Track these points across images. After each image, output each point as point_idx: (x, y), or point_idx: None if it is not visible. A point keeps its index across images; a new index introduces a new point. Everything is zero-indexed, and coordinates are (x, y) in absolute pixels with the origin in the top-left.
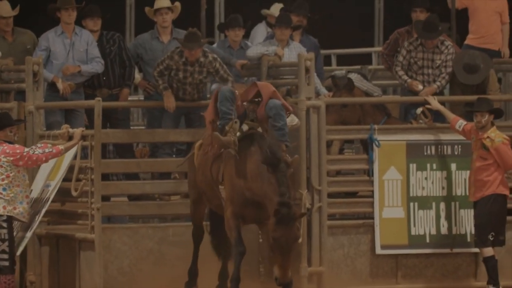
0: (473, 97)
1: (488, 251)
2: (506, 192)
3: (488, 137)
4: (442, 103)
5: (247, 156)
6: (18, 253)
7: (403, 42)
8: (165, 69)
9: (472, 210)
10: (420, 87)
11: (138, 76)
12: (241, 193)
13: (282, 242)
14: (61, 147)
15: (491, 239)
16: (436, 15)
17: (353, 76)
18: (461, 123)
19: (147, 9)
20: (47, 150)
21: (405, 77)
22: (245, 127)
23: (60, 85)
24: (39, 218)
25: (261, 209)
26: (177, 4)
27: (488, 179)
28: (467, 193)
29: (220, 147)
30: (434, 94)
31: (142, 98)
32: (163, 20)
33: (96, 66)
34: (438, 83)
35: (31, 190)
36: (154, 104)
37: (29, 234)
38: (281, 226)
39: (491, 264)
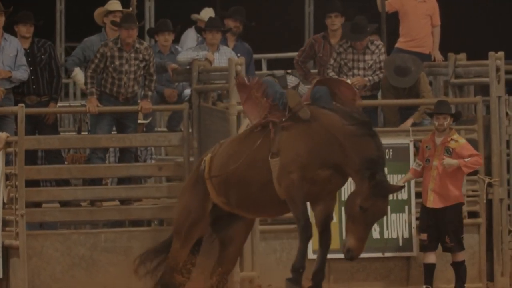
0: (408, 101)
1: (463, 255)
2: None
3: (451, 139)
4: (375, 108)
5: (319, 119)
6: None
7: (319, 48)
8: (99, 61)
9: (404, 214)
10: (348, 80)
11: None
12: (318, 154)
13: (369, 213)
14: None
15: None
16: (363, 17)
17: (292, 79)
18: (416, 163)
19: (99, 10)
20: None
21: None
22: None
23: None
24: None
25: (336, 175)
26: (130, 9)
27: (453, 187)
28: (399, 198)
29: (291, 108)
30: (366, 98)
31: (72, 104)
32: None
33: (24, 74)
34: (369, 77)
35: None
36: (79, 111)
37: None
38: (375, 197)
39: (464, 267)
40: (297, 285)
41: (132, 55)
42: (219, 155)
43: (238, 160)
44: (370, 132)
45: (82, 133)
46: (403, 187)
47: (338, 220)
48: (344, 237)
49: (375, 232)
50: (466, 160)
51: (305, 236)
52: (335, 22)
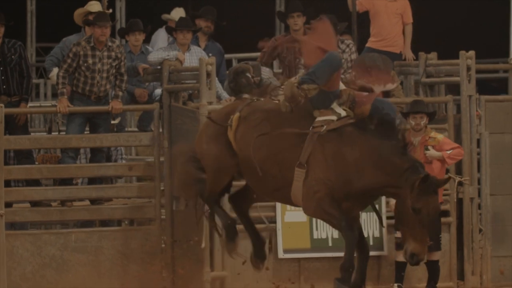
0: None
1: (438, 254)
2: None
3: (430, 137)
4: None
5: (359, 144)
6: None
7: (282, 48)
8: (72, 60)
9: (374, 214)
10: None
11: None
12: (348, 185)
13: (424, 213)
14: None
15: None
16: (333, 15)
17: (266, 70)
18: None
19: (79, 10)
20: None
21: None
22: (342, 112)
23: None
24: None
25: (355, 206)
26: (110, 10)
27: None
28: None
29: (287, 97)
30: None
31: (43, 104)
32: None
33: None
34: (341, 76)
35: None
36: (50, 111)
37: None
38: (426, 195)
39: (437, 267)
40: (346, 284)
41: (105, 53)
42: (249, 126)
43: (264, 150)
44: (404, 151)
45: (53, 133)
46: (450, 178)
47: (308, 219)
48: (314, 235)
49: None
50: (448, 152)
51: (350, 234)
52: (298, 22)
